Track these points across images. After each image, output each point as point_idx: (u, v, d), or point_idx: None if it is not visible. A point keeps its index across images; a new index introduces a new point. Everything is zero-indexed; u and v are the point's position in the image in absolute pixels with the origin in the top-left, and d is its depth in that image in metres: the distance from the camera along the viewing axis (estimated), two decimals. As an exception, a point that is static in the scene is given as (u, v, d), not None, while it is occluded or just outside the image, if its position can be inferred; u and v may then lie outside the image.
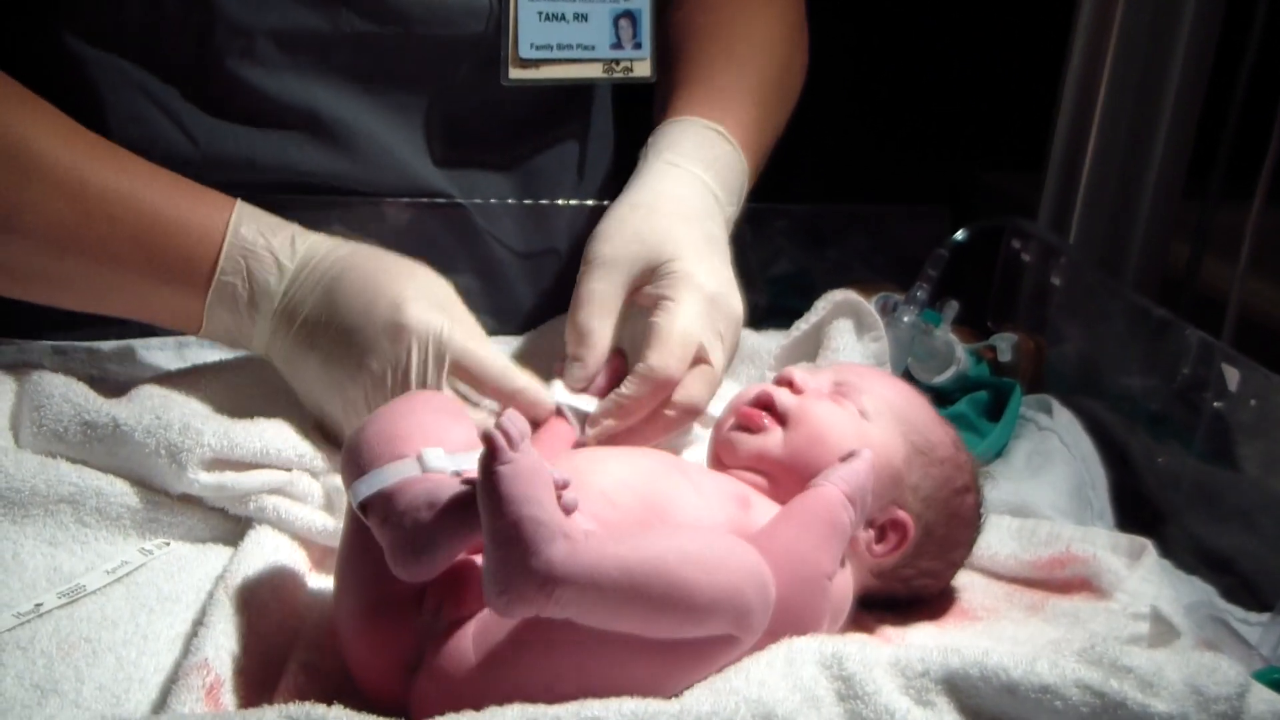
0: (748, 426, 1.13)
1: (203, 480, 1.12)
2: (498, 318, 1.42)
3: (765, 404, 1.14)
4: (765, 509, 1.06)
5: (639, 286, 1.24)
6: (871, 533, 1.09)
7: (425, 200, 1.46)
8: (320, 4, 1.35)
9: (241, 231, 1.18)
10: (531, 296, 1.52)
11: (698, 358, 1.21)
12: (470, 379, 1.16)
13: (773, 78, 1.46)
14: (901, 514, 1.10)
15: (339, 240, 1.20)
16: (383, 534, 0.91)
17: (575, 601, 0.85)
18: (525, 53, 1.36)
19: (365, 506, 0.92)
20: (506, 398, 1.17)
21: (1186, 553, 1.27)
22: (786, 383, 1.16)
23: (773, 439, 1.12)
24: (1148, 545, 1.17)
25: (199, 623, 1.00)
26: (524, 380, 1.18)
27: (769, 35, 1.48)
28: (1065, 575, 1.18)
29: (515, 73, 1.36)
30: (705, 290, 1.22)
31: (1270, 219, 1.72)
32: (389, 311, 1.14)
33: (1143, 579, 1.13)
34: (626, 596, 0.86)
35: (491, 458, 0.85)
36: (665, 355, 1.18)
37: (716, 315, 1.23)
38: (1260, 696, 0.93)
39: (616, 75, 1.40)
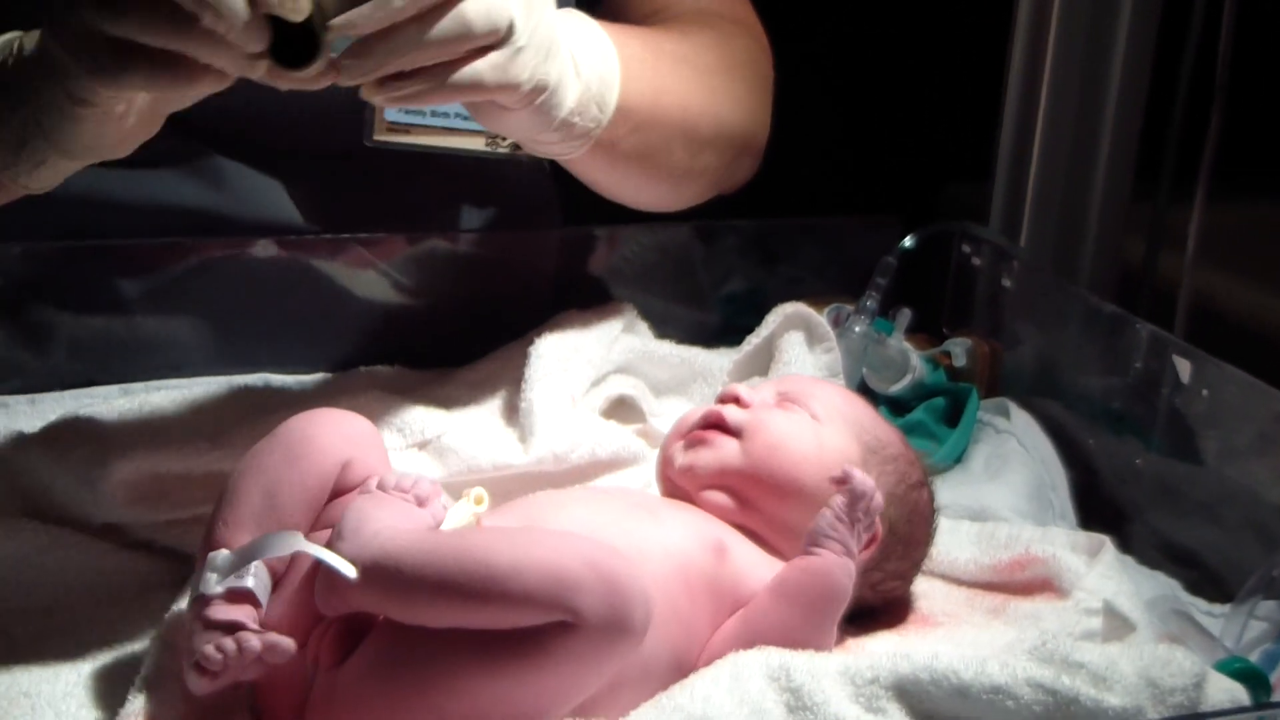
0: (702, 445, 1.11)
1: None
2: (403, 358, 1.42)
3: (715, 423, 1.12)
4: (743, 554, 1.03)
5: None
6: None
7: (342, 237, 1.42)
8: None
9: None
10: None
11: None
12: None
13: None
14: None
15: None
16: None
17: (379, 586, 0.85)
18: (392, 116, 1.18)
19: None
20: None
21: (1151, 548, 1.26)
22: (732, 399, 1.14)
23: (729, 450, 1.10)
24: (1106, 542, 1.16)
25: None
26: None
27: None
28: (1026, 577, 1.16)
29: (380, 135, 1.20)
30: None
31: (1220, 213, 1.72)
32: None
33: (1101, 576, 1.11)
34: (431, 577, 0.84)
35: None
36: None
37: None
38: (1219, 685, 0.92)
39: (501, 150, 1.22)
